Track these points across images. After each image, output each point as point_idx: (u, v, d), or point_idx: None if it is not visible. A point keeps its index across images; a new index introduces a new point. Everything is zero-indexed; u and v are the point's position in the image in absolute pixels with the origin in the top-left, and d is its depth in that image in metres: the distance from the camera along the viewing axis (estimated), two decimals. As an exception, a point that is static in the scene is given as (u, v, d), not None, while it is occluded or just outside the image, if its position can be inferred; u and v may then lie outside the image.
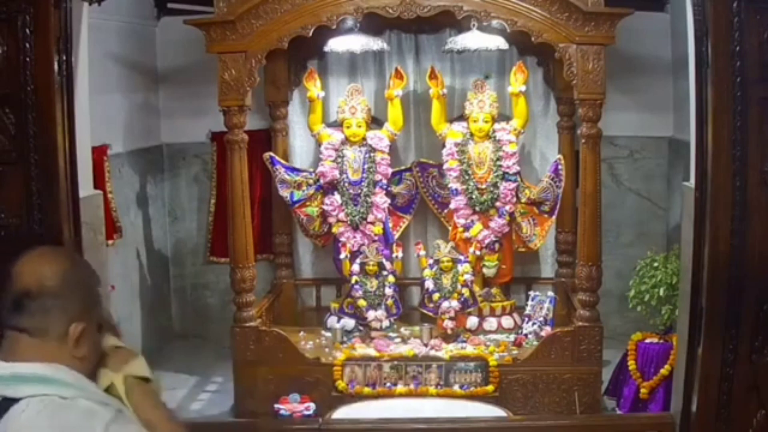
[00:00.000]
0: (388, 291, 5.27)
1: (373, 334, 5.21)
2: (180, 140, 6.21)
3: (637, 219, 6.08)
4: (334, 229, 5.39)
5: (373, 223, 5.34)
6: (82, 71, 3.69)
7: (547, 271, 5.76)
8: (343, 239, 5.37)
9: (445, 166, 5.31)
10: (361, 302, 5.25)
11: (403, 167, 5.53)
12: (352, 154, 5.31)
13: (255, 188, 5.61)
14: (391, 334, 5.25)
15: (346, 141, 5.34)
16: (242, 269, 4.84)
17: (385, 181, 5.34)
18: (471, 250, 5.27)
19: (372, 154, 5.31)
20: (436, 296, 5.16)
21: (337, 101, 5.42)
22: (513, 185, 5.25)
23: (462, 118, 5.34)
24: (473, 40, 4.87)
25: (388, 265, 5.30)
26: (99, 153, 4.86)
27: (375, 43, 5.08)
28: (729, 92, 3.05)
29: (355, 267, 5.27)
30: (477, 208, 5.27)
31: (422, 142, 5.62)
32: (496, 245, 5.35)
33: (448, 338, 5.11)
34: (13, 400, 1.61)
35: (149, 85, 6.06)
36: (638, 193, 6.09)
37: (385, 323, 5.29)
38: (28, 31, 3.09)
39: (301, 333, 5.35)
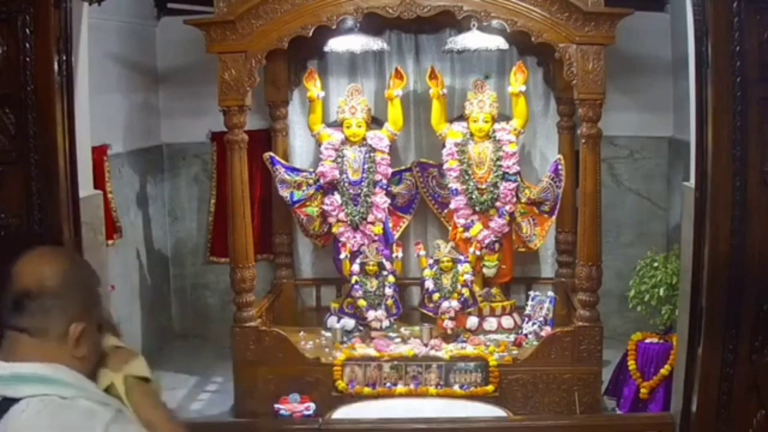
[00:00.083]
0: (388, 291, 5.27)
1: (373, 334, 5.21)
2: (180, 140, 6.21)
3: (637, 219, 6.08)
4: (334, 229, 5.39)
5: (373, 223, 5.34)
6: (82, 71, 3.69)
7: (547, 271, 5.76)
8: (343, 239, 5.37)
9: (445, 166, 5.31)
10: (361, 302, 5.25)
11: (403, 167, 5.53)
12: (352, 154, 5.31)
13: (255, 188, 5.61)
14: (391, 334, 5.25)
15: (346, 141, 5.34)
16: (242, 269, 4.84)
17: (385, 181, 5.34)
18: (471, 250, 5.27)
19: (372, 154, 5.31)
20: (436, 296, 5.16)
21: (337, 101, 5.42)
22: (513, 185, 5.25)
23: (462, 118, 5.34)
24: (473, 40, 4.87)
25: (388, 265, 5.30)
26: (99, 153, 4.86)
27: (375, 43, 5.08)
28: (729, 92, 3.05)
29: (355, 267, 5.27)
30: (477, 208, 5.27)
31: (422, 142, 5.62)
32: (496, 245, 5.35)
33: (448, 338, 5.11)
34: (13, 400, 1.62)
35: (149, 85, 6.06)
36: (638, 193, 6.09)
37: (385, 323, 5.29)
38: (28, 31, 3.09)
39: (301, 333, 5.35)
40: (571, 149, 5.36)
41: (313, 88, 5.30)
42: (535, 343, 4.94)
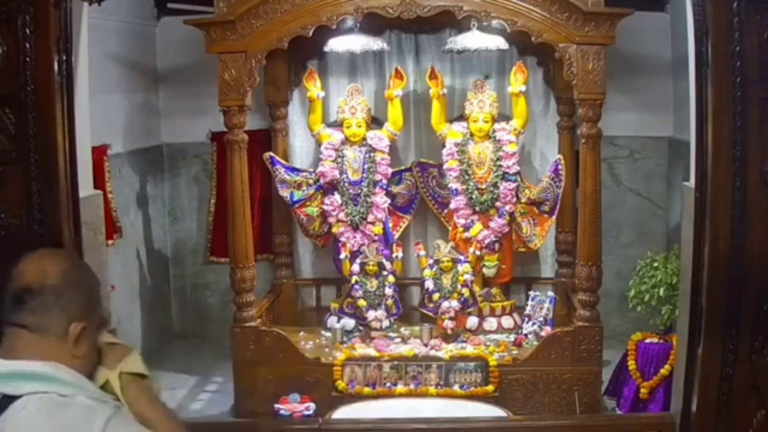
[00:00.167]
0: (388, 291, 5.27)
1: (373, 334, 5.21)
2: (180, 140, 6.21)
3: (637, 219, 6.08)
4: (334, 229, 5.39)
5: (373, 223, 5.34)
6: (82, 71, 3.69)
7: (547, 271, 5.76)
8: (343, 239, 5.37)
9: (445, 166, 5.31)
10: (361, 302, 5.25)
11: (403, 167, 5.53)
12: (352, 154, 5.31)
13: (255, 188, 5.61)
14: (391, 334, 5.25)
15: (346, 141, 5.34)
16: (242, 269, 4.84)
17: (385, 181, 5.34)
18: (471, 250, 5.27)
19: (372, 154, 5.31)
20: (436, 296, 5.16)
21: (337, 101, 5.42)
22: (513, 185, 5.25)
23: (462, 118, 5.34)
24: (473, 40, 4.87)
25: (388, 265, 5.30)
26: (99, 153, 4.86)
27: (375, 43, 5.08)
28: (729, 92, 3.05)
29: (355, 267, 5.27)
30: (477, 208, 5.27)
31: (422, 142, 5.62)
32: (496, 245, 5.35)
33: (448, 338, 5.11)
34: (13, 398, 1.62)
35: (149, 85, 6.06)
36: (638, 193, 6.10)
37: (385, 323, 5.29)
38: (28, 31, 3.09)
39: (301, 333, 5.35)
40: (571, 149, 5.36)
41: (313, 88, 5.30)
42: (535, 343, 4.94)
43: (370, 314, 5.24)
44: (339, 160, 5.30)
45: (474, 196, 5.25)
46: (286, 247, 5.78)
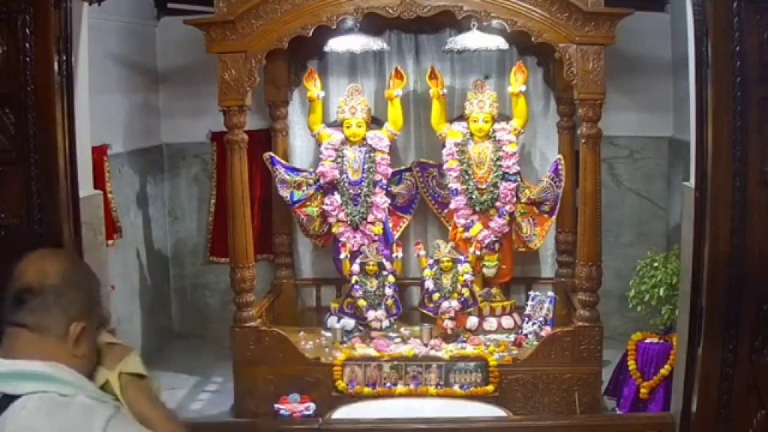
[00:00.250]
0: (388, 291, 5.27)
1: (373, 334, 5.21)
2: (180, 140, 6.22)
3: (637, 219, 6.08)
4: (334, 229, 5.39)
5: (373, 223, 5.34)
6: (82, 71, 3.69)
7: (547, 271, 5.76)
8: (343, 239, 5.37)
9: (445, 166, 5.31)
10: (361, 302, 5.25)
11: (403, 167, 5.53)
12: (352, 154, 5.31)
13: (255, 188, 5.61)
14: (391, 334, 5.25)
15: (346, 141, 5.34)
16: (242, 269, 4.84)
17: (385, 181, 5.34)
18: (471, 250, 5.27)
19: (372, 154, 5.31)
20: (436, 296, 5.16)
21: (337, 101, 5.42)
22: (513, 185, 5.25)
23: (462, 118, 5.34)
24: (473, 40, 4.87)
25: (388, 265, 5.30)
26: (99, 153, 4.86)
27: (375, 43, 5.08)
28: (729, 92, 3.05)
29: (355, 267, 5.27)
30: (477, 208, 5.27)
31: (422, 142, 5.62)
32: (496, 245, 5.35)
33: (448, 338, 5.11)
34: (13, 397, 1.62)
35: (149, 85, 6.06)
36: (638, 193, 6.10)
37: (385, 323, 5.29)
38: (28, 31, 3.09)
39: (301, 333, 5.35)
40: (571, 149, 5.36)
41: (313, 88, 5.30)
42: (535, 343, 4.94)
43: (370, 314, 5.24)
44: (339, 160, 5.30)
45: (474, 196, 5.25)
46: (286, 247, 5.78)
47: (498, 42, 4.89)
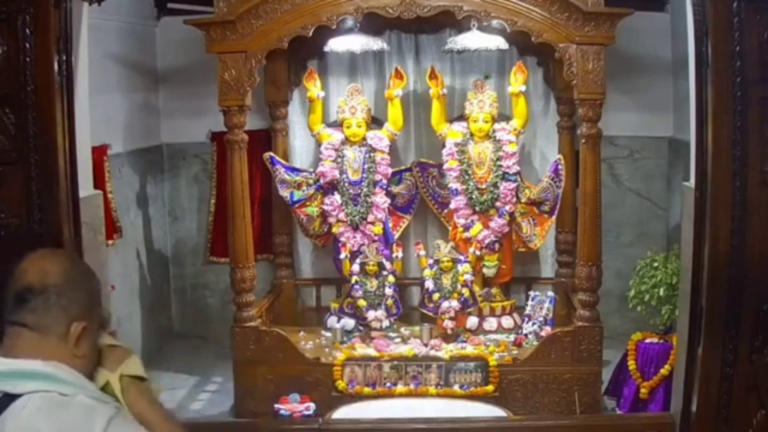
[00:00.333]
0: (388, 291, 5.27)
1: (373, 334, 5.21)
2: (180, 140, 6.21)
3: (637, 219, 6.08)
4: (334, 229, 5.39)
5: (373, 223, 5.33)
6: (82, 71, 3.69)
7: (547, 271, 5.76)
8: (343, 239, 5.37)
9: (445, 166, 5.31)
10: (361, 302, 5.25)
11: (403, 167, 5.53)
12: (352, 154, 5.31)
13: (255, 188, 5.61)
14: (391, 334, 5.25)
15: (346, 141, 5.34)
16: (242, 269, 4.84)
17: (385, 181, 5.34)
18: (471, 250, 5.27)
19: (372, 154, 5.31)
20: (436, 296, 5.16)
21: (337, 101, 5.42)
22: (513, 185, 5.25)
23: (462, 118, 5.34)
24: (473, 40, 4.87)
25: (388, 265, 5.30)
26: (99, 153, 4.86)
27: (375, 43, 5.07)
28: (729, 92, 3.05)
29: (355, 267, 5.27)
30: (477, 208, 5.27)
31: (422, 142, 5.62)
32: (496, 245, 5.35)
33: (448, 338, 5.11)
34: (14, 396, 1.62)
35: (149, 85, 6.06)
36: (638, 193, 6.10)
37: (385, 323, 5.29)
38: (28, 31, 3.09)
39: (301, 333, 5.35)
40: (571, 149, 5.36)
41: (313, 88, 5.30)
42: (535, 343, 4.94)
43: (370, 314, 5.24)
44: (339, 160, 5.30)
45: (474, 196, 5.25)
46: (286, 247, 5.78)
47: (498, 42, 4.89)
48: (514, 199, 5.28)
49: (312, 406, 4.70)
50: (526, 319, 5.23)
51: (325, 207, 5.35)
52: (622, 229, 6.06)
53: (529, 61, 5.43)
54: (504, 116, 5.33)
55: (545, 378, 4.75)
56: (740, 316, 3.14)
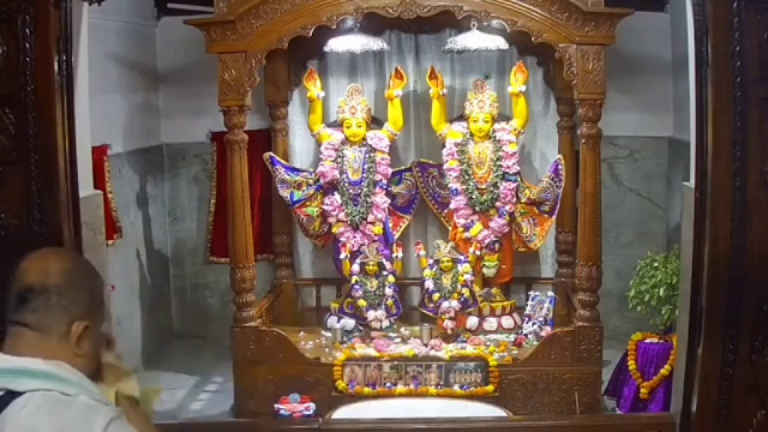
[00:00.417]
0: (388, 291, 5.27)
1: (373, 334, 5.21)
2: (180, 140, 6.22)
3: (637, 219, 6.08)
4: (334, 229, 5.39)
5: (373, 223, 5.34)
6: (82, 71, 3.69)
7: (547, 271, 5.76)
8: (343, 239, 5.37)
9: (445, 166, 5.31)
10: (361, 302, 5.25)
11: (403, 167, 5.53)
12: (352, 154, 5.31)
13: (255, 188, 5.61)
14: (391, 334, 5.25)
15: (346, 141, 5.34)
16: (242, 269, 4.84)
17: (385, 181, 5.34)
18: (471, 250, 5.27)
19: (372, 154, 5.31)
20: (436, 296, 5.16)
21: (337, 101, 5.43)
22: (513, 185, 5.25)
23: (462, 118, 5.35)
24: (473, 40, 4.87)
25: (388, 265, 5.30)
26: (99, 153, 4.86)
27: (375, 43, 5.08)
28: (729, 92, 3.05)
29: (355, 267, 5.27)
30: (477, 208, 5.27)
31: (422, 142, 5.62)
32: (496, 245, 5.35)
33: (448, 338, 5.11)
34: (16, 394, 1.63)
35: (149, 85, 6.06)
36: (638, 193, 6.10)
37: (385, 323, 5.29)
38: (28, 31, 3.09)
39: (301, 333, 5.35)
40: (571, 149, 5.36)
41: (313, 88, 5.30)
42: (535, 343, 4.94)
43: (370, 314, 5.24)
44: (339, 160, 5.30)
45: (474, 196, 5.25)
46: (286, 247, 5.78)
47: (498, 42, 4.89)
48: (514, 199, 5.28)
49: (312, 406, 4.70)
50: (526, 319, 5.23)
51: (325, 207, 5.35)
52: (622, 229, 6.06)
53: (529, 61, 5.43)
54: (504, 116, 5.33)
55: (545, 378, 4.75)
56: (740, 316, 3.14)
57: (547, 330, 5.02)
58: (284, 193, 5.38)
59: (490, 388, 4.74)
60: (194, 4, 5.61)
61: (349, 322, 5.35)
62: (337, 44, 5.04)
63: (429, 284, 5.20)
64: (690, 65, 3.44)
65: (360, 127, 5.30)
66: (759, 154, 3.07)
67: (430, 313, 5.25)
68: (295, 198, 5.37)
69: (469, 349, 4.97)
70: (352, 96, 5.32)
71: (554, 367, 4.74)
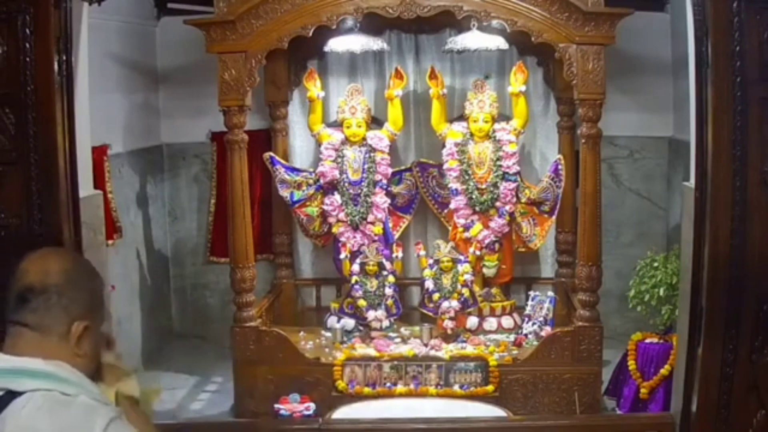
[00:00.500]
0: (388, 291, 5.27)
1: (373, 334, 5.21)
2: (180, 140, 6.22)
3: (637, 219, 6.08)
4: (334, 229, 5.39)
5: (373, 223, 5.34)
6: (82, 71, 3.69)
7: (547, 271, 5.76)
8: (343, 239, 5.37)
9: (445, 166, 5.31)
10: (361, 302, 5.25)
11: (403, 167, 5.53)
12: (352, 154, 5.31)
13: (255, 188, 5.61)
14: (391, 334, 5.26)
15: (346, 141, 5.34)
16: (242, 269, 4.84)
17: (385, 181, 5.34)
18: (471, 250, 5.27)
19: (372, 154, 5.31)
20: (436, 296, 5.16)
21: (337, 101, 5.43)
22: (513, 185, 5.25)
23: (462, 118, 5.35)
24: (473, 40, 4.87)
25: (388, 265, 5.30)
26: (99, 153, 4.86)
27: (375, 43, 5.08)
28: (729, 92, 3.05)
29: (355, 267, 5.28)
30: (477, 208, 5.27)
31: (422, 142, 5.63)
32: (496, 245, 5.35)
33: (448, 338, 5.11)
34: (16, 394, 1.63)
35: (149, 85, 6.06)
36: (638, 193, 6.10)
37: (385, 323, 5.29)
38: (28, 31, 3.09)
39: (301, 333, 5.35)
40: (571, 149, 5.36)
41: (313, 88, 5.30)
42: (535, 343, 4.94)
43: (370, 314, 5.24)
44: (339, 160, 5.30)
45: (474, 196, 5.25)
46: (286, 247, 5.78)
47: (498, 42, 4.89)
48: (514, 199, 5.28)
49: (312, 406, 4.70)
50: (526, 319, 5.23)
51: (325, 207, 5.36)
52: (622, 229, 6.06)
53: (529, 61, 5.44)
54: (504, 116, 5.33)
55: (545, 378, 4.75)
56: (740, 316, 3.14)
57: (547, 330, 5.02)
58: (284, 193, 5.38)
59: (490, 388, 4.74)
60: (194, 4, 5.61)
61: (349, 322, 5.35)
62: (337, 44, 5.04)
63: (429, 284, 5.20)
64: (690, 65, 3.44)
65: (360, 127, 5.30)
66: (759, 154, 3.07)
67: (430, 313, 5.25)
68: (295, 198, 5.37)
69: (469, 349, 4.97)
70: (352, 96, 5.32)
71: (554, 367, 4.74)
